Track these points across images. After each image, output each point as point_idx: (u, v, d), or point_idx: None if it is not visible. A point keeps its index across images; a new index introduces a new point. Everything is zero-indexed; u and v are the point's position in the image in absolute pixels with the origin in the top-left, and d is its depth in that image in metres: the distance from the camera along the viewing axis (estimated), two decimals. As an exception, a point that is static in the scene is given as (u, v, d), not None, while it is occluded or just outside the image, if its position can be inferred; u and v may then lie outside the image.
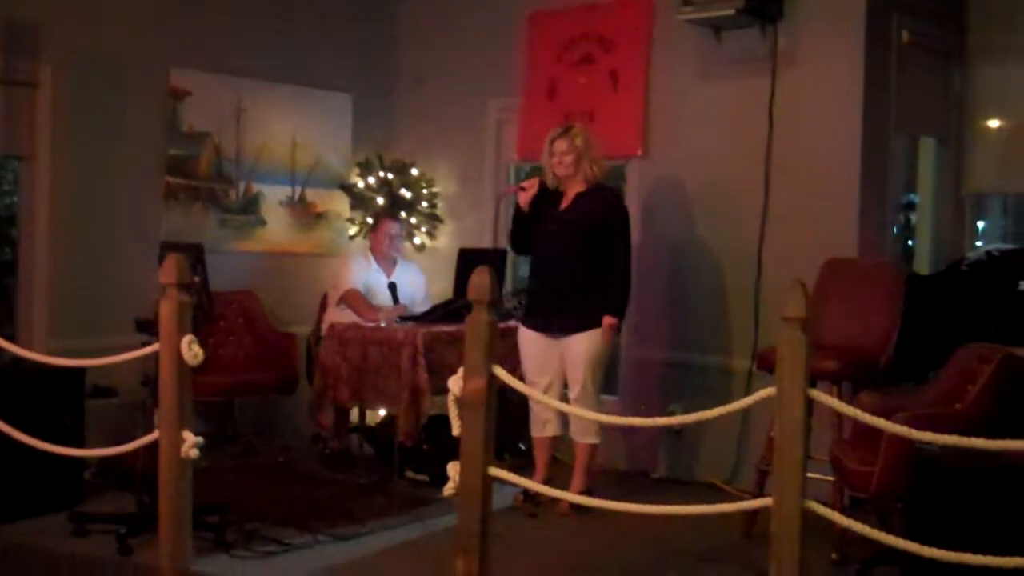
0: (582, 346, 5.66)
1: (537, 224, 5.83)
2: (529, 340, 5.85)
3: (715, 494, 5.97)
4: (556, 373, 5.78)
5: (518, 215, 5.92)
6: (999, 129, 6.66)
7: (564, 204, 5.82)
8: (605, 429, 5.85)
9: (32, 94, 6.16)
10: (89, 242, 6.38)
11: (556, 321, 5.74)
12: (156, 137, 6.73)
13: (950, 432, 2.92)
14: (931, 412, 4.35)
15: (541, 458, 5.87)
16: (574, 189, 5.81)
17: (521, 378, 5.69)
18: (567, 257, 5.71)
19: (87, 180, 6.37)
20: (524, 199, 5.83)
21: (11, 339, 5.13)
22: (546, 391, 5.65)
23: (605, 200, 5.80)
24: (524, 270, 7.61)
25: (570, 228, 5.72)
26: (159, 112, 6.73)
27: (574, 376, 5.70)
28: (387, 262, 6.87)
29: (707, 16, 6.09)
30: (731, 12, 5.96)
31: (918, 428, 3.05)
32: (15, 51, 6.03)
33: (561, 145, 5.77)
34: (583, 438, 5.76)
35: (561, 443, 6.02)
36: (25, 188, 6.32)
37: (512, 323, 6.25)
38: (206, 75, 6.90)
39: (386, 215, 7.19)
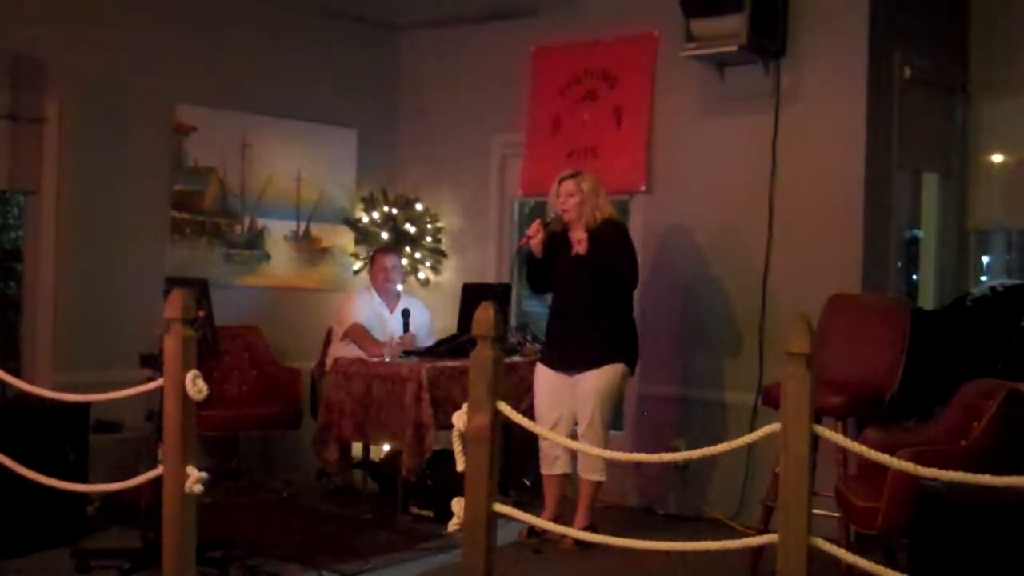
0: (592, 383, 5.66)
1: (552, 264, 5.85)
2: (543, 376, 5.87)
3: (721, 530, 5.94)
4: (566, 410, 5.76)
5: (531, 259, 5.93)
6: (1002, 164, 6.68)
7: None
8: (613, 465, 5.83)
9: (38, 129, 6.18)
10: (94, 277, 6.39)
11: (567, 359, 5.75)
12: (161, 172, 6.75)
13: (955, 468, 2.91)
14: (936, 448, 4.32)
15: (551, 495, 5.83)
16: (578, 232, 5.82)
17: (528, 412, 5.68)
18: (576, 296, 5.75)
19: (92, 215, 6.39)
20: (536, 246, 5.84)
21: (15, 374, 5.13)
22: (554, 427, 5.64)
23: (605, 234, 5.80)
24: (528, 305, 7.63)
25: (577, 268, 5.74)
26: (165, 147, 6.76)
27: (583, 412, 5.68)
28: (389, 296, 6.88)
29: (710, 53, 6.12)
30: (734, 49, 5.99)
31: (923, 464, 3.04)
32: (22, 86, 6.07)
33: (568, 186, 5.80)
34: (589, 475, 5.74)
35: (568, 480, 5.99)
36: (30, 223, 6.34)
37: (516, 358, 6.25)
38: (211, 111, 6.93)
39: (381, 249, 7.19)
